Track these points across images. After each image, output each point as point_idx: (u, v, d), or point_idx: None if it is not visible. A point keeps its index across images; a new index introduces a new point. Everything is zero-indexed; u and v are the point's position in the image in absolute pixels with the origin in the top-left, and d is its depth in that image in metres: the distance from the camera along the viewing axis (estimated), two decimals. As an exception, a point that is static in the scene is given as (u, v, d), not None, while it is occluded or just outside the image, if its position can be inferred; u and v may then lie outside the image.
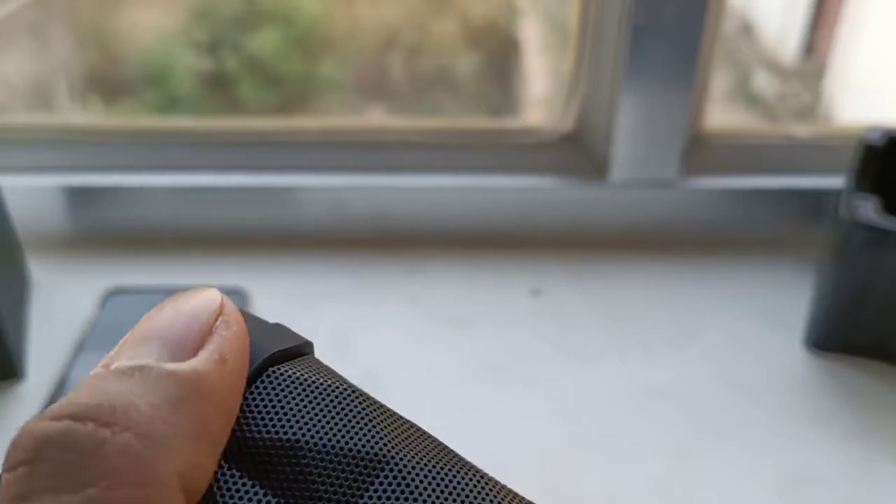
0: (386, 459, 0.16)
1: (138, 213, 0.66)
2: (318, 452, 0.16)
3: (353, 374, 0.58)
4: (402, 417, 0.18)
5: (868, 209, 0.51)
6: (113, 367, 0.15)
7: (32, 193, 0.64)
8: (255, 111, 0.73)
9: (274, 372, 0.17)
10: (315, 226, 0.66)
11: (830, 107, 0.99)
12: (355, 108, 0.76)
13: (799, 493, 0.47)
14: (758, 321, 0.59)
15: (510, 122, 0.75)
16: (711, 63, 0.64)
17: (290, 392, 0.17)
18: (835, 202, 0.56)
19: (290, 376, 0.17)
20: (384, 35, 0.71)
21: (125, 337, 0.15)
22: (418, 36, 0.72)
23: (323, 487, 0.15)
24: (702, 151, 0.67)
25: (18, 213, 0.59)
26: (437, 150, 0.67)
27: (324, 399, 0.17)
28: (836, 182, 0.62)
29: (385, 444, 0.16)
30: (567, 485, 0.46)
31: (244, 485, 0.15)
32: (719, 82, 0.69)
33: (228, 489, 0.15)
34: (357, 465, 0.16)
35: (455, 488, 0.16)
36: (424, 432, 0.18)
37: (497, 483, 0.17)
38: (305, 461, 0.16)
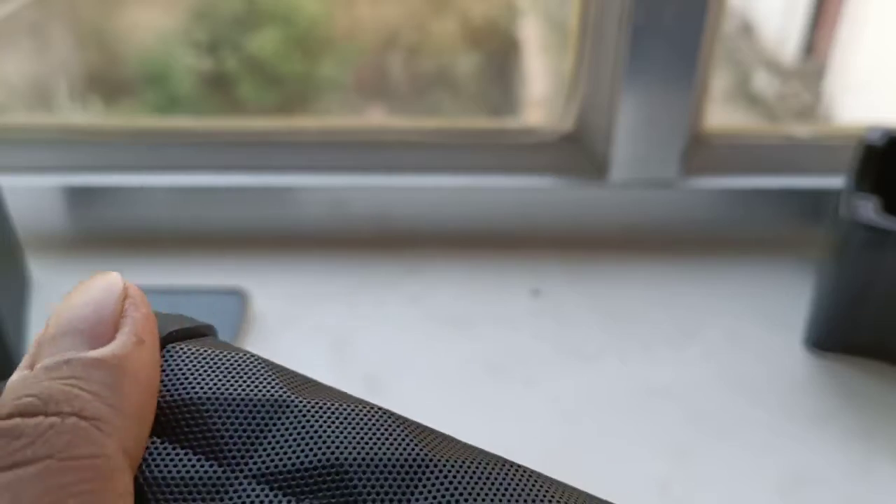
0: (286, 404, 0.17)
1: (138, 213, 0.66)
2: (220, 405, 0.17)
3: (354, 373, 0.58)
4: (299, 373, 0.19)
5: (868, 209, 0.51)
6: (37, 366, 0.15)
7: (32, 193, 0.64)
8: (255, 111, 0.73)
9: (173, 347, 0.18)
10: (315, 226, 0.66)
11: (830, 107, 0.99)
12: (355, 108, 0.76)
13: (799, 493, 0.47)
14: (758, 321, 0.59)
15: (510, 122, 0.75)
16: (711, 63, 0.64)
17: (186, 362, 0.18)
18: (835, 202, 0.56)
19: (183, 350, 0.18)
20: (384, 35, 0.71)
21: (37, 337, 0.16)
22: (418, 36, 0.72)
23: (227, 434, 0.16)
24: (702, 151, 0.67)
25: (18, 213, 0.59)
26: (437, 150, 0.67)
27: (221, 363, 0.18)
28: (836, 182, 0.62)
29: (282, 391, 0.17)
30: (567, 485, 0.46)
31: (159, 445, 0.16)
32: (719, 82, 0.69)
33: (149, 455, 0.16)
34: (259, 412, 0.17)
35: (351, 421, 0.17)
36: (321, 384, 0.18)
37: (395, 415, 0.18)
38: (207, 414, 0.17)
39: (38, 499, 0.13)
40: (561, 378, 0.54)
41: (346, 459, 0.16)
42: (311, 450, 0.16)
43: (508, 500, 0.16)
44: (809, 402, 0.53)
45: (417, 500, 0.16)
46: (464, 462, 0.17)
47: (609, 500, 0.18)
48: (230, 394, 0.17)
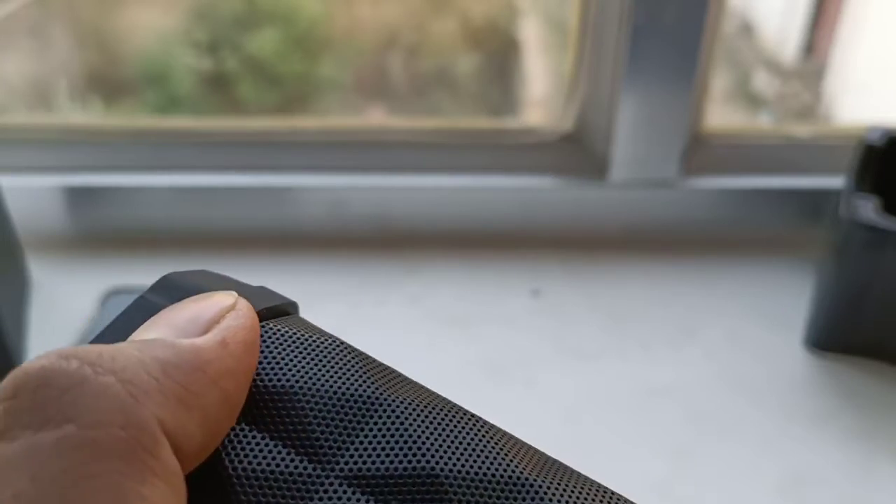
0: (380, 402, 0.16)
1: (138, 213, 0.66)
2: (313, 397, 0.16)
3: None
4: (391, 368, 0.18)
5: (868, 209, 0.51)
6: None
7: (32, 193, 0.64)
8: (255, 111, 0.73)
9: (264, 327, 0.17)
10: (315, 226, 0.66)
11: (830, 107, 0.99)
12: (355, 108, 0.76)
13: (799, 493, 0.47)
14: (758, 321, 0.59)
15: (510, 122, 0.75)
16: (711, 63, 0.64)
17: (280, 345, 0.17)
18: (835, 202, 0.56)
19: (277, 331, 0.17)
20: (384, 35, 0.71)
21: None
22: (418, 36, 0.72)
23: (319, 429, 0.16)
24: (702, 151, 0.67)
25: (18, 213, 0.59)
26: (437, 150, 0.67)
27: (314, 349, 0.17)
28: (836, 182, 0.62)
29: (377, 388, 0.16)
30: (567, 485, 0.46)
31: (248, 434, 0.15)
32: (719, 82, 0.69)
33: (233, 440, 0.15)
34: (351, 408, 0.16)
35: (447, 427, 0.16)
36: (414, 381, 0.18)
37: (491, 425, 0.17)
38: (300, 406, 0.16)
39: (55, 478, 0.11)
40: (561, 378, 0.54)
41: (441, 469, 0.15)
42: (404, 454, 0.15)
43: None
44: (809, 402, 0.53)
45: None
46: (567, 486, 0.17)
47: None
48: (325, 385, 0.16)
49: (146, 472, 0.12)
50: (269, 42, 0.71)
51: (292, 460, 0.15)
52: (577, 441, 0.50)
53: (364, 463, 0.15)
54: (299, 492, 0.15)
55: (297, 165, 0.67)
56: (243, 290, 0.19)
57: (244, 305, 0.17)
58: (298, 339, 0.18)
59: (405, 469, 0.15)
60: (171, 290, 0.18)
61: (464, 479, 0.15)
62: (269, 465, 0.15)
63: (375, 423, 0.16)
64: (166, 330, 0.15)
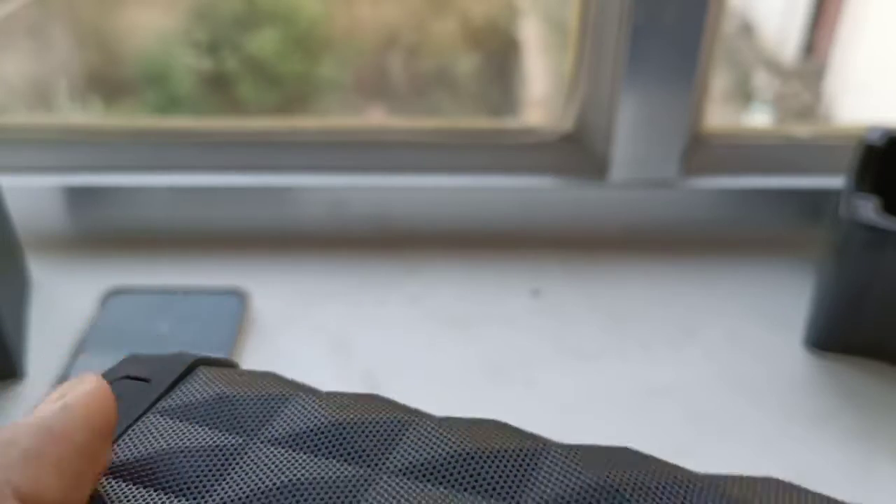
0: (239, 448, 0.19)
1: (138, 213, 0.66)
2: (181, 452, 0.19)
3: (354, 373, 0.58)
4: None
5: (868, 209, 0.51)
6: None
7: (32, 193, 0.64)
8: (255, 111, 0.73)
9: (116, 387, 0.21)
10: (315, 226, 0.66)
11: (830, 107, 0.99)
12: (355, 108, 0.76)
13: (799, 493, 0.47)
14: (758, 321, 0.59)
15: (510, 122, 0.75)
16: (711, 63, 0.64)
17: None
18: (835, 202, 0.56)
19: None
20: (384, 35, 0.71)
21: None
22: (418, 36, 0.72)
23: (189, 476, 0.18)
24: (702, 151, 0.67)
25: (18, 213, 0.59)
26: (437, 150, 0.67)
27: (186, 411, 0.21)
28: (836, 182, 0.62)
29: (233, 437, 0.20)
30: (567, 485, 0.46)
31: (130, 489, 0.18)
32: (719, 82, 0.69)
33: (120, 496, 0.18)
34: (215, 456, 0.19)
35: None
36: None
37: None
38: (173, 460, 0.19)
39: None
40: (561, 378, 0.54)
41: None
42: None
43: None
44: (809, 402, 0.53)
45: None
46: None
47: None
48: (189, 440, 0.19)
49: None
50: (269, 42, 0.71)
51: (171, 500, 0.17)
52: (578, 441, 0.50)
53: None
54: None
55: (297, 165, 0.67)
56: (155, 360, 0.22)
57: (91, 378, 0.18)
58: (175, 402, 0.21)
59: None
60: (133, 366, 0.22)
61: None
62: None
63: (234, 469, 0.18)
64: (28, 419, 0.17)
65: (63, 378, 0.51)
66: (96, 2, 0.68)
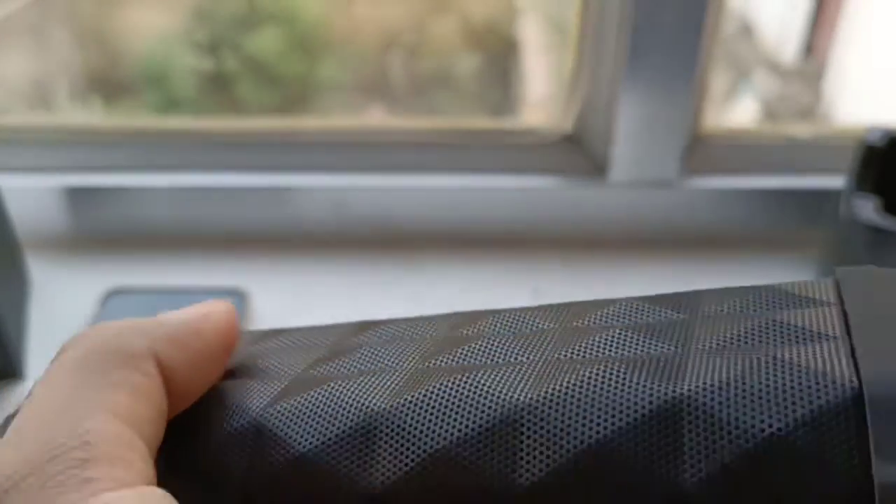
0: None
1: (138, 213, 0.66)
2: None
3: (354, 373, 0.56)
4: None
5: (868, 209, 0.51)
6: None
7: (32, 193, 0.64)
8: (255, 111, 0.73)
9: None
10: (315, 226, 0.66)
11: (830, 107, 0.99)
12: (355, 108, 0.76)
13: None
14: (758, 321, 0.59)
15: (510, 122, 0.75)
16: (711, 63, 0.64)
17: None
18: (835, 202, 0.56)
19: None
20: (384, 35, 0.71)
21: None
22: (418, 36, 0.72)
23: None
24: (702, 151, 0.67)
25: (18, 213, 0.59)
26: (437, 150, 0.67)
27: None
28: (836, 182, 0.62)
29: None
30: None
31: None
32: (720, 82, 0.69)
33: None
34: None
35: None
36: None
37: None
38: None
39: (77, 367, 0.18)
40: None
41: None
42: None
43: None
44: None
45: None
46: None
47: None
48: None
49: (131, 369, 0.18)
50: (269, 42, 0.71)
51: None
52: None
53: None
54: None
55: (297, 165, 0.67)
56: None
57: (225, 302, 0.21)
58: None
59: None
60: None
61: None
62: None
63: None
64: (175, 312, 0.21)
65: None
66: (96, 2, 0.68)
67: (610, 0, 0.60)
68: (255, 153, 0.67)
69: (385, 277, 0.63)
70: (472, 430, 0.16)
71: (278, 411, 0.18)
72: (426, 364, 0.19)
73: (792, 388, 0.15)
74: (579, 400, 0.16)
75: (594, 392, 0.16)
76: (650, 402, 0.15)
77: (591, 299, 0.20)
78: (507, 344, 0.18)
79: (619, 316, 0.19)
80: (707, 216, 0.67)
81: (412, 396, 0.17)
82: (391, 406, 0.17)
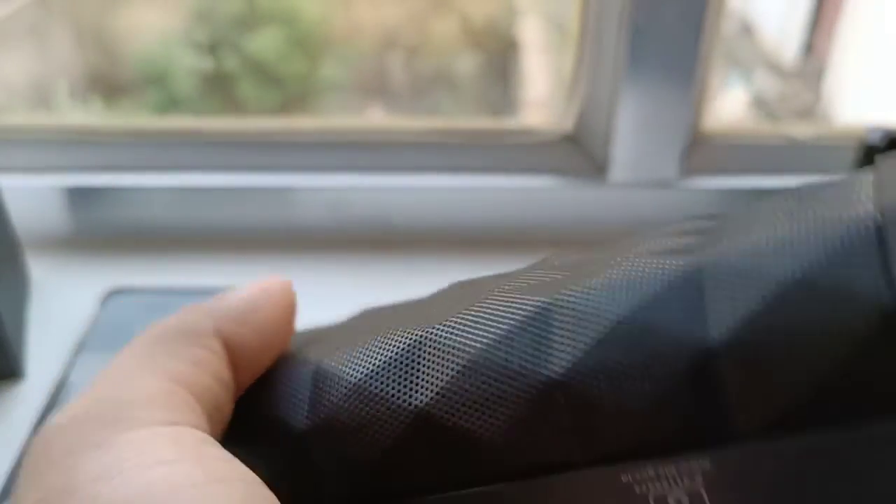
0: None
1: (138, 213, 0.66)
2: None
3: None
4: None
5: (868, 209, 0.51)
6: None
7: (32, 193, 0.64)
8: (255, 111, 0.73)
9: None
10: (315, 226, 0.66)
11: (830, 107, 0.99)
12: (355, 108, 0.76)
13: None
14: (758, 321, 0.59)
15: (510, 122, 0.75)
16: (711, 63, 0.64)
17: None
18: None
19: None
20: (384, 35, 0.71)
21: None
22: (418, 36, 0.72)
23: None
24: (702, 151, 0.67)
25: (18, 213, 0.59)
26: (437, 150, 0.67)
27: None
28: (836, 182, 0.62)
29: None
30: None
31: None
32: (719, 82, 0.69)
33: None
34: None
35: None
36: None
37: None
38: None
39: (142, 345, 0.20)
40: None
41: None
42: None
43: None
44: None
45: None
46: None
47: None
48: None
49: (195, 345, 0.19)
50: (269, 42, 0.71)
51: None
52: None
53: None
54: None
55: (297, 165, 0.67)
56: None
57: (280, 279, 0.23)
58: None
59: None
60: None
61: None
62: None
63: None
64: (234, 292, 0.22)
65: (63, 378, 0.51)
66: (96, 2, 0.68)
67: (610, 0, 0.60)
68: (255, 153, 0.67)
69: (385, 277, 0.63)
70: (505, 331, 0.18)
71: (334, 357, 0.20)
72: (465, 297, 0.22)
73: (814, 228, 0.14)
74: (607, 287, 0.17)
75: (620, 277, 0.17)
76: (673, 274, 0.16)
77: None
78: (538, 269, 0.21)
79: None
80: (707, 216, 0.67)
81: (453, 317, 0.19)
82: (430, 329, 0.19)
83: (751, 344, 0.14)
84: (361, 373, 0.19)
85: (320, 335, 0.23)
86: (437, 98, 0.74)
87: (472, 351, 0.18)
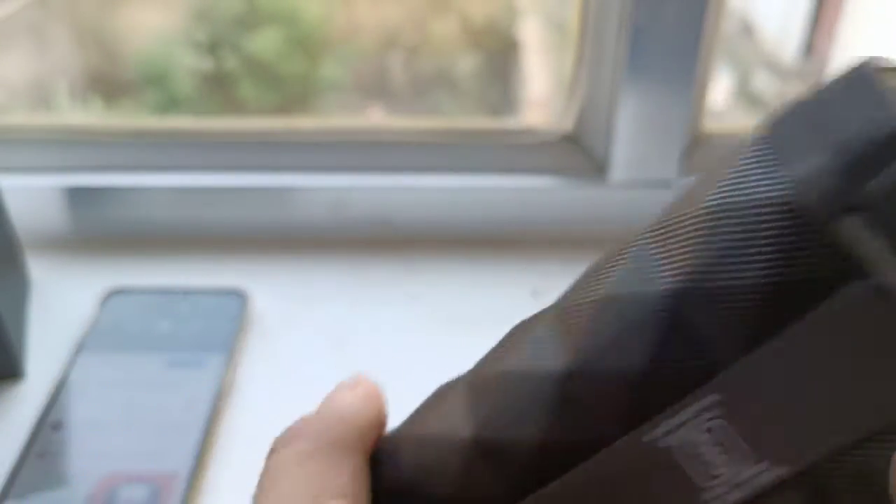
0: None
1: (138, 213, 0.66)
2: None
3: (354, 373, 0.57)
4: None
5: (868, 209, 0.51)
6: None
7: (32, 193, 0.64)
8: (255, 111, 0.73)
9: None
10: (315, 226, 0.66)
11: (830, 107, 0.99)
12: (355, 108, 0.76)
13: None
14: (758, 321, 0.59)
15: (510, 122, 0.75)
16: (711, 63, 0.64)
17: None
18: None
19: None
20: (384, 35, 0.71)
21: None
22: (418, 36, 0.72)
23: None
24: (702, 151, 0.67)
25: (18, 213, 0.59)
26: (437, 150, 0.67)
27: None
28: (836, 182, 0.62)
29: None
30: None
31: None
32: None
33: None
34: None
35: None
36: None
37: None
38: None
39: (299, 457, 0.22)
40: (561, 378, 0.54)
41: None
42: None
43: None
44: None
45: None
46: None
47: None
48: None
49: (351, 456, 0.23)
50: (269, 42, 0.71)
51: None
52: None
53: None
54: None
55: (297, 165, 0.67)
56: None
57: (368, 382, 0.27)
58: None
59: None
60: None
61: None
62: None
63: None
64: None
65: (63, 378, 0.51)
66: (96, 2, 0.68)
67: (610, 0, 0.60)
68: (255, 153, 0.67)
69: (385, 277, 0.63)
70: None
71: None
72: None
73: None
74: (589, 276, 0.24)
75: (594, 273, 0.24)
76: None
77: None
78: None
79: None
80: (707, 216, 0.67)
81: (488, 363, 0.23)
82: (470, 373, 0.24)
83: (703, 287, 0.16)
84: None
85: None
86: (437, 98, 0.74)
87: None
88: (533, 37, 0.75)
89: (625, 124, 0.63)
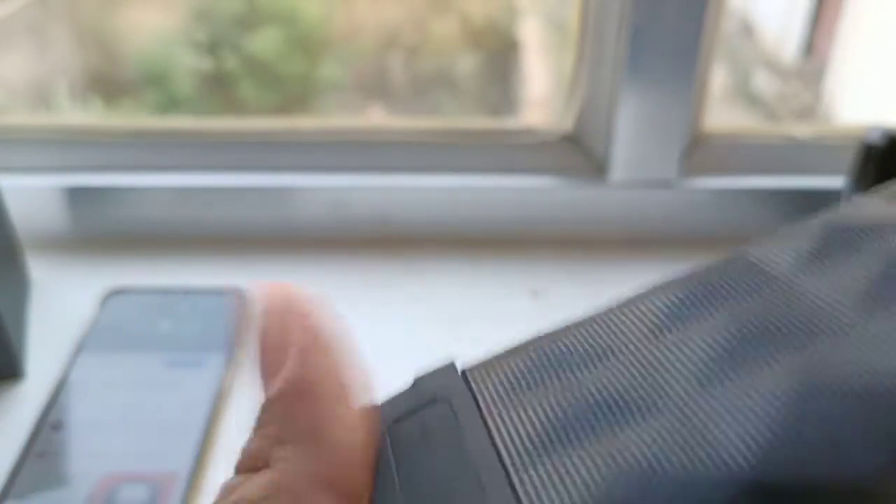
0: None
1: (138, 213, 0.66)
2: None
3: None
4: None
5: (868, 209, 0.51)
6: None
7: (32, 193, 0.64)
8: (255, 111, 0.73)
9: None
10: (315, 226, 0.66)
11: (830, 107, 0.99)
12: (355, 108, 0.76)
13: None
14: (758, 321, 0.59)
15: (510, 122, 0.75)
16: (711, 63, 0.64)
17: None
18: (835, 202, 0.56)
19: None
20: (384, 35, 0.71)
21: None
22: (418, 36, 0.72)
23: None
24: (702, 151, 0.67)
25: (18, 213, 0.59)
26: (437, 150, 0.67)
27: None
28: (836, 182, 0.62)
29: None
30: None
31: None
32: (719, 82, 0.69)
33: None
34: None
35: None
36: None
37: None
38: None
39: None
40: (561, 378, 0.54)
41: None
42: None
43: None
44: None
45: None
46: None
47: None
48: None
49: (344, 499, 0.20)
50: (269, 42, 0.71)
51: None
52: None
53: None
54: None
55: (297, 165, 0.67)
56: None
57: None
58: None
59: None
60: None
61: None
62: None
63: None
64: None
65: (63, 378, 0.51)
66: (96, 2, 0.68)
67: (610, 0, 0.60)
68: (255, 153, 0.67)
69: (385, 277, 0.63)
70: None
71: None
72: None
73: None
74: None
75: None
76: None
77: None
78: None
79: None
80: (707, 216, 0.67)
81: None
82: None
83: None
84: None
85: None
86: (437, 98, 0.74)
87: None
88: (533, 37, 0.75)
89: (625, 124, 0.63)
